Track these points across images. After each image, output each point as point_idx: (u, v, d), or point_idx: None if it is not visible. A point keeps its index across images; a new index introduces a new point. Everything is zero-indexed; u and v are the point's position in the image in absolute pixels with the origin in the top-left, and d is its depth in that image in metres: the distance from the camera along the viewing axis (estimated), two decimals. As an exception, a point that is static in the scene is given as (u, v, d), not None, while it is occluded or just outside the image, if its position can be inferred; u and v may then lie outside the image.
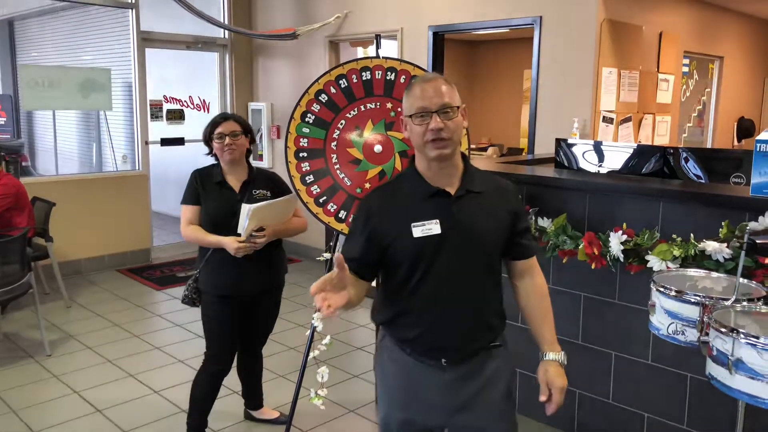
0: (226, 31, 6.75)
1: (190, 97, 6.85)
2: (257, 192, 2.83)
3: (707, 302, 1.89)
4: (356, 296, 1.67)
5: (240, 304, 2.86)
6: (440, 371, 1.76)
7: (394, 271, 1.74)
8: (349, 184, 2.98)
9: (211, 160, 2.92)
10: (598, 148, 3.29)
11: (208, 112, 6.84)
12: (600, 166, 3.24)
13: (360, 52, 6.90)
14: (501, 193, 1.82)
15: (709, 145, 6.53)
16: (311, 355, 2.93)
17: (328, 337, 2.94)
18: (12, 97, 8.14)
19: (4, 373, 3.80)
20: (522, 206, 1.84)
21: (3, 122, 8.16)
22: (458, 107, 1.69)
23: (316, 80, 3.03)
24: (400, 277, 1.74)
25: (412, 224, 1.69)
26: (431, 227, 1.69)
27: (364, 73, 3.00)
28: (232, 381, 3.45)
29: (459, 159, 1.77)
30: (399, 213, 1.72)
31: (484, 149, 8.06)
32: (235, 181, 2.83)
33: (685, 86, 6.06)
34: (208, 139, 2.82)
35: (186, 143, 6.57)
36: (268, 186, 2.88)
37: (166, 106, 6.56)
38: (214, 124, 2.79)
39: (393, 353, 1.83)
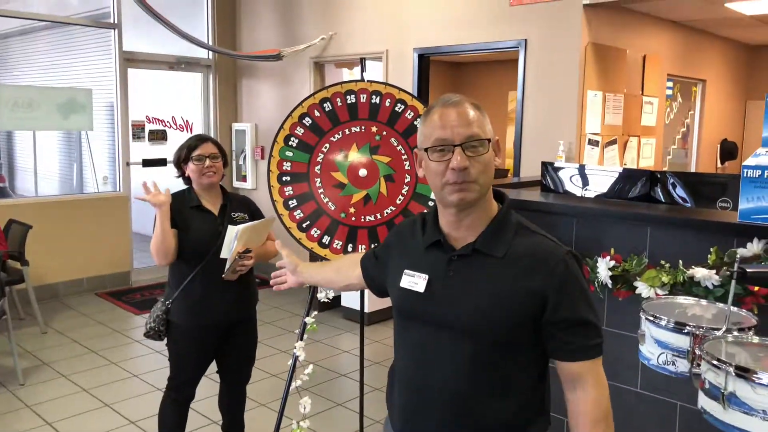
0: (210, 52, 6.72)
1: (173, 117, 6.79)
2: (236, 215, 2.77)
3: (698, 332, 1.84)
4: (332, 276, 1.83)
5: (213, 335, 2.76)
6: None
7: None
8: (333, 208, 2.92)
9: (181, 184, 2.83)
10: (583, 171, 3.27)
11: (191, 132, 6.78)
12: (586, 189, 3.22)
13: (345, 73, 6.89)
14: (534, 264, 1.33)
15: (693, 167, 6.57)
16: (293, 384, 2.84)
17: (311, 366, 2.86)
18: (-9, 117, 8.03)
19: (-25, 403, 3.67)
20: (572, 287, 1.35)
21: (-19, 142, 8.03)
22: (489, 140, 1.34)
23: (300, 103, 2.99)
24: (394, 324, 1.52)
25: (405, 270, 1.43)
26: (417, 282, 1.40)
27: (348, 97, 2.97)
28: (210, 410, 3.35)
29: (490, 207, 1.40)
30: (404, 252, 1.48)
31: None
32: (211, 205, 2.75)
33: (669, 109, 6.10)
34: (182, 161, 2.73)
35: (168, 164, 6.49)
36: (243, 209, 2.82)
37: (148, 127, 6.49)
38: (191, 147, 2.71)
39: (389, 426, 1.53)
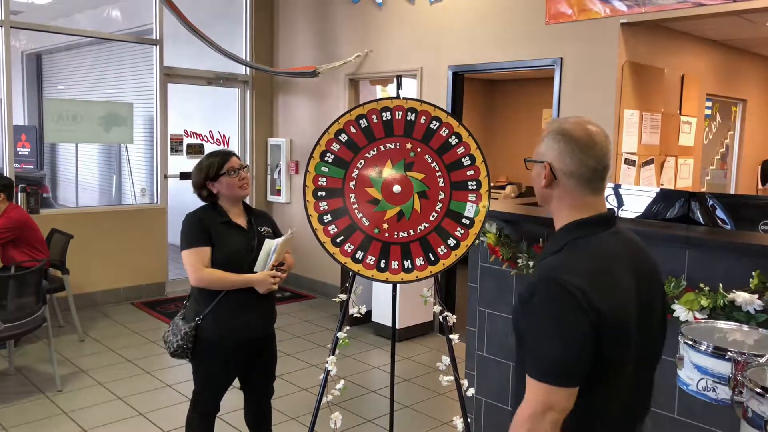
0: (248, 68, 6.84)
1: (210, 131, 6.92)
2: (262, 229, 2.80)
3: (740, 359, 1.80)
4: None
5: (243, 351, 2.76)
6: None
7: None
8: (366, 224, 2.94)
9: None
10: (619, 191, 3.23)
11: (227, 146, 6.90)
12: (622, 209, 3.18)
13: (379, 90, 6.95)
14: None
15: (732, 188, 6.43)
16: (325, 399, 2.85)
17: (342, 382, 2.87)
18: (37, 129, 8.31)
19: (14, 409, 3.76)
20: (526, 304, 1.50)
21: (27, 153, 8.30)
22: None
23: (337, 120, 3.02)
24: None
25: None
26: None
27: (384, 114, 2.99)
28: (239, 421, 3.37)
29: (558, 222, 1.67)
30: None
31: (503, 187, 8.02)
32: (238, 220, 2.77)
33: (707, 129, 6.00)
34: (211, 179, 2.70)
35: (205, 177, 6.59)
36: (267, 223, 2.87)
37: (186, 141, 6.62)
38: (221, 163, 2.70)
39: None
